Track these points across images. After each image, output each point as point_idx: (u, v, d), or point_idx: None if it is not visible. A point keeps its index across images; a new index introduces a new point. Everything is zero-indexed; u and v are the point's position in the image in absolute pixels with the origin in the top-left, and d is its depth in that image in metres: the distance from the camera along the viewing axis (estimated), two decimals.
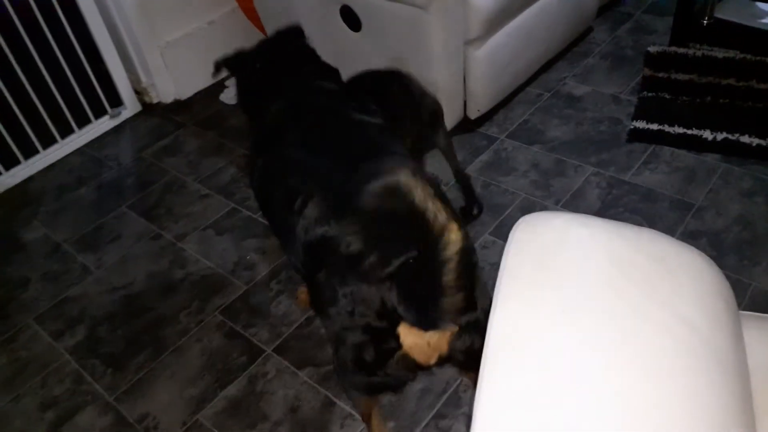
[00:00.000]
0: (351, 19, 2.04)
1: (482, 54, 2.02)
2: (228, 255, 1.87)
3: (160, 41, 2.41)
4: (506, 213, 1.86)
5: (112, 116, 2.46)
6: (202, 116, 2.47)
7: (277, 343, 1.60)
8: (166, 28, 2.41)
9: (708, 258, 0.82)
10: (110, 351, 1.66)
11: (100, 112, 2.43)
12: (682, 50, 2.28)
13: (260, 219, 1.97)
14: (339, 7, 2.04)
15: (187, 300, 1.75)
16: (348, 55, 2.20)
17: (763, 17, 2.25)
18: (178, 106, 2.54)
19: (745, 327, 0.84)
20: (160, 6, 2.37)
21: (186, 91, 2.56)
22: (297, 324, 1.64)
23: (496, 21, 2.00)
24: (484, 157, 2.07)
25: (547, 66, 2.39)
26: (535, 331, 0.71)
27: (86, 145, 2.41)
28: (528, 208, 1.86)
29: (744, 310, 1.46)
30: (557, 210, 1.83)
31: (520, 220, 0.85)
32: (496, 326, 0.73)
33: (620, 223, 0.84)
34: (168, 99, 2.55)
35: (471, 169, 2.03)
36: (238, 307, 1.71)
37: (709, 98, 2.11)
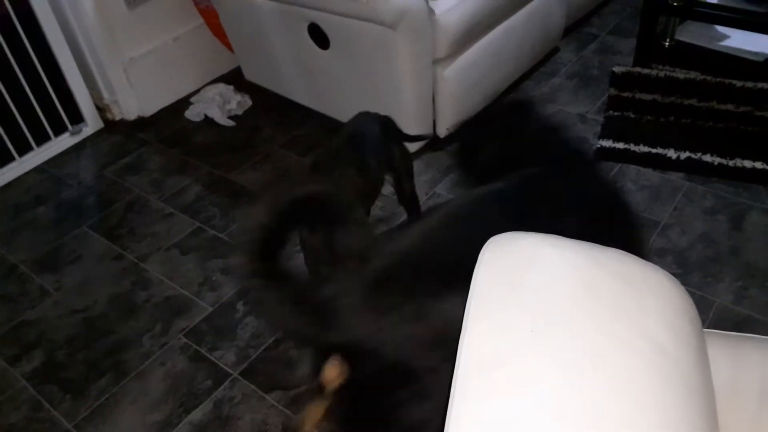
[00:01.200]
0: (319, 36, 2.04)
1: (451, 73, 2.03)
2: (193, 276, 1.82)
3: (123, 57, 2.37)
4: None
5: (73, 133, 2.39)
6: (166, 133, 2.42)
7: (244, 366, 1.56)
8: (130, 44, 2.36)
9: (673, 278, 0.82)
10: (69, 376, 1.59)
11: (60, 129, 2.36)
12: (645, 71, 2.33)
13: (226, 238, 1.93)
14: (307, 24, 2.04)
15: (150, 322, 1.70)
16: (317, 73, 2.19)
17: (721, 40, 2.32)
18: (142, 123, 2.49)
19: (710, 345, 0.84)
20: (124, 21, 2.33)
21: (150, 108, 2.51)
22: (264, 346, 1.60)
23: (464, 40, 2.01)
24: (453, 175, 2.07)
25: (514, 86, 2.41)
26: (504, 354, 0.70)
27: (45, 163, 2.33)
28: None
29: (708, 326, 1.49)
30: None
31: (490, 240, 0.84)
32: (466, 349, 0.72)
33: (588, 243, 0.84)
34: (131, 116, 2.49)
35: (440, 188, 2.03)
36: (203, 329, 1.67)
37: (672, 118, 2.16)
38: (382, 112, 2.07)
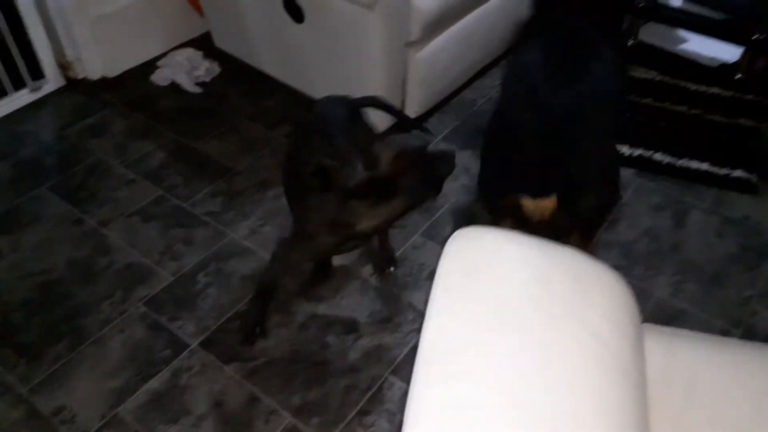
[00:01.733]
0: (294, 9, 2.03)
1: (422, 56, 2.06)
2: (154, 244, 1.82)
3: (89, 14, 2.28)
4: (437, 215, 1.92)
5: (33, 90, 2.31)
6: (131, 96, 2.37)
7: (203, 336, 1.59)
8: (98, 1, 2.28)
9: (619, 275, 0.89)
10: (25, 340, 1.58)
11: (19, 84, 2.28)
12: None
13: (189, 208, 1.93)
14: None
15: (110, 289, 1.70)
16: (289, 46, 2.18)
17: (681, 43, 2.42)
18: (106, 83, 2.42)
19: (646, 338, 0.93)
20: None
21: (115, 69, 2.44)
22: (225, 318, 1.63)
23: (437, 25, 2.04)
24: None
25: (482, 72, 2.46)
26: (464, 341, 0.75)
27: (2, 119, 2.25)
28: (458, 211, 1.93)
29: (647, 317, 1.59)
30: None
31: (455, 233, 0.89)
32: (429, 335, 0.77)
33: (544, 240, 0.90)
34: (95, 75, 2.42)
35: None
36: (163, 298, 1.68)
37: (628, 115, 2.25)
38: (353, 91, 2.09)
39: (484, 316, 0.78)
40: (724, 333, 1.60)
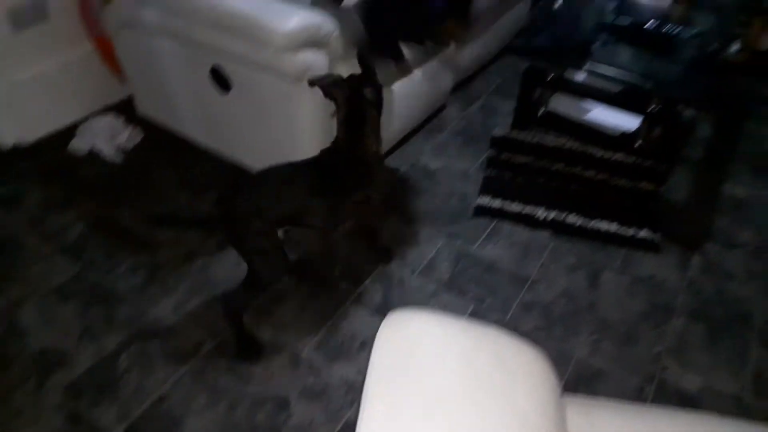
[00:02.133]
0: (220, 79, 2.05)
1: None
2: (72, 324, 1.74)
3: (3, 80, 2.21)
4: (365, 282, 1.95)
5: None
6: (47, 165, 2.29)
7: (126, 423, 1.52)
8: (13, 67, 2.22)
9: (538, 351, 0.94)
10: None
11: None
12: (521, 135, 2.57)
13: (109, 284, 1.86)
14: (209, 67, 2.04)
15: (23, 376, 1.60)
16: (216, 114, 2.19)
17: (586, 113, 2.61)
18: (20, 152, 2.33)
19: (568, 410, 0.98)
20: (8, 43, 2.18)
21: (30, 136, 2.36)
22: (149, 402, 1.57)
23: None
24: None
25: (406, 138, 2.55)
26: (398, 428, 0.78)
27: None
28: (385, 276, 1.96)
29: (567, 379, 1.67)
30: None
31: (386, 319, 0.93)
32: (365, 425, 0.79)
33: (469, 323, 0.95)
34: (7, 143, 2.33)
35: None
36: (82, 383, 1.60)
37: (542, 180, 2.40)
38: (282, 158, 2.12)
39: (415, 402, 0.82)
40: (639, 390, 1.69)
